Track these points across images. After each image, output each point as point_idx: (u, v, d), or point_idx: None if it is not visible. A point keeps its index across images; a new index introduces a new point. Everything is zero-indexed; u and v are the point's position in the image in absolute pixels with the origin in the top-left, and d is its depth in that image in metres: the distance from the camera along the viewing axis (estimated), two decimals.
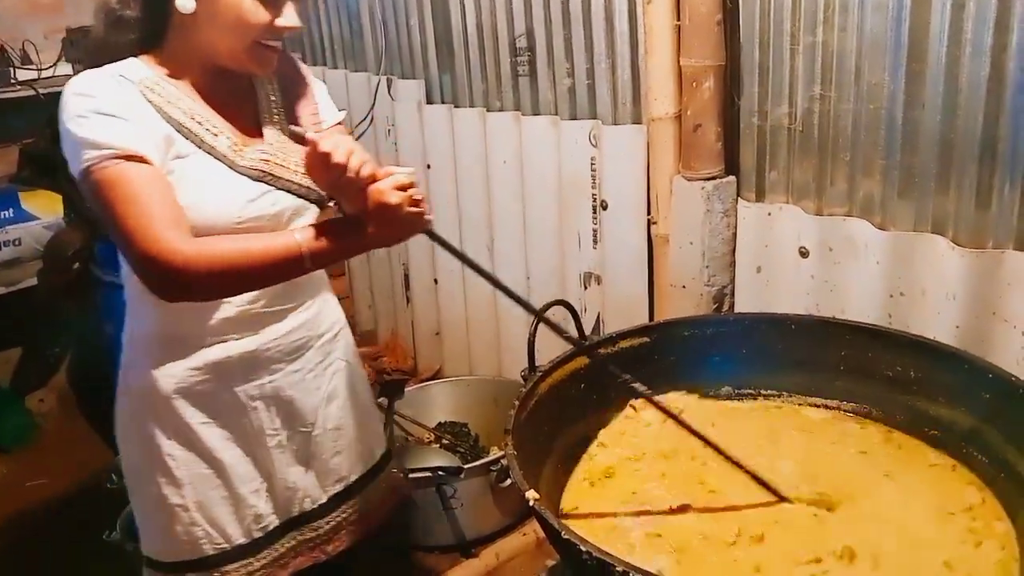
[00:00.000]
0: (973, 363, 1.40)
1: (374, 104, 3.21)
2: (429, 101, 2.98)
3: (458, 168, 2.89)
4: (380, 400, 2.58)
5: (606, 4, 2.23)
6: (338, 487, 1.64)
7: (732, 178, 2.00)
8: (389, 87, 3.12)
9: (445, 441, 2.71)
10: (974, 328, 1.60)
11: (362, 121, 3.28)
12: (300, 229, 1.30)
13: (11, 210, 3.13)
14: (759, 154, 1.97)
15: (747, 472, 1.35)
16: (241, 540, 1.50)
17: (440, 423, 2.82)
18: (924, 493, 1.34)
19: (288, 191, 1.41)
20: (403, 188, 1.27)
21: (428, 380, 3.12)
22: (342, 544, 1.65)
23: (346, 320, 1.68)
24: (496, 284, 1.43)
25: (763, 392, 1.64)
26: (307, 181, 1.40)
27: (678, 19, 1.96)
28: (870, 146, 1.73)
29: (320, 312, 1.58)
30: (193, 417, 1.44)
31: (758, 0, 1.87)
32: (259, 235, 1.31)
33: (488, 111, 2.71)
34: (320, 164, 1.25)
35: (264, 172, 1.38)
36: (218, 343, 1.43)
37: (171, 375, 1.42)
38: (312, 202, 1.45)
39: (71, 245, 2.75)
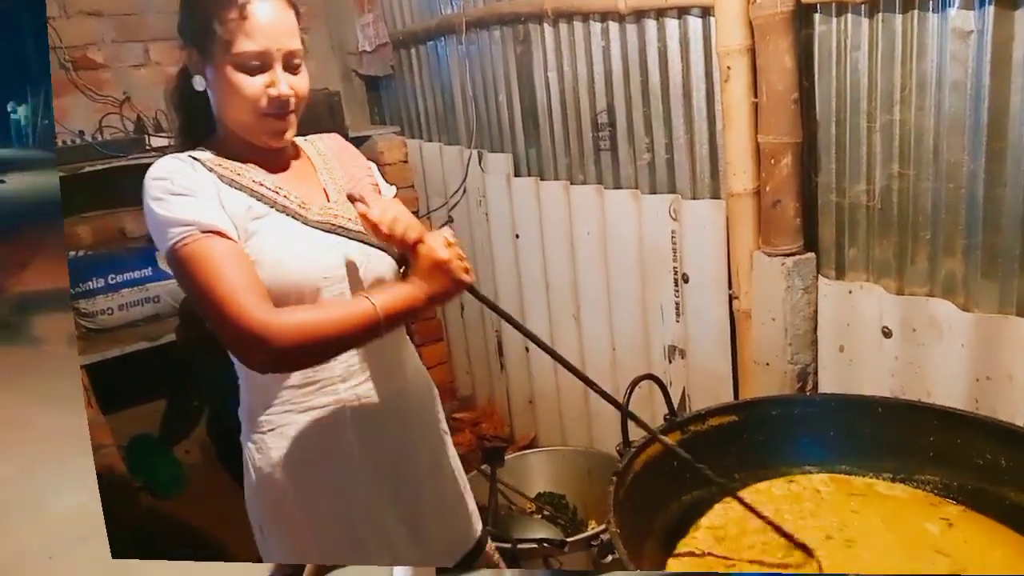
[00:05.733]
0: None
1: (466, 176, 3.32)
2: (517, 174, 3.06)
3: (545, 238, 2.95)
4: (483, 467, 2.63)
5: (684, 82, 2.26)
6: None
7: (811, 255, 1.98)
8: (480, 160, 3.23)
9: (546, 512, 2.72)
10: None
11: (455, 192, 3.40)
12: (373, 294, 1.34)
13: (149, 269, 3.32)
14: (838, 231, 1.95)
15: None
16: None
17: (539, 493, 2.84)
18: None
19: (360, 241, 1.46)
20: (449, 245, 1.38)
21: (525, 448, 3.15)
22: None
23: None
24: (557, 358, 1.52)
25: (854, 475, 1.61)
26: None
27: (755, 96, 1.97)
28: (951, 225, 1.69)
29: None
30: None
31: (834, 79, 1.87)
32: (336, 302, 1.38)
33: (572, 184, 2.76)
34: (371, 227, 1.39)
35: (334, 225, 1.45)
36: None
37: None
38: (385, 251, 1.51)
39: None
